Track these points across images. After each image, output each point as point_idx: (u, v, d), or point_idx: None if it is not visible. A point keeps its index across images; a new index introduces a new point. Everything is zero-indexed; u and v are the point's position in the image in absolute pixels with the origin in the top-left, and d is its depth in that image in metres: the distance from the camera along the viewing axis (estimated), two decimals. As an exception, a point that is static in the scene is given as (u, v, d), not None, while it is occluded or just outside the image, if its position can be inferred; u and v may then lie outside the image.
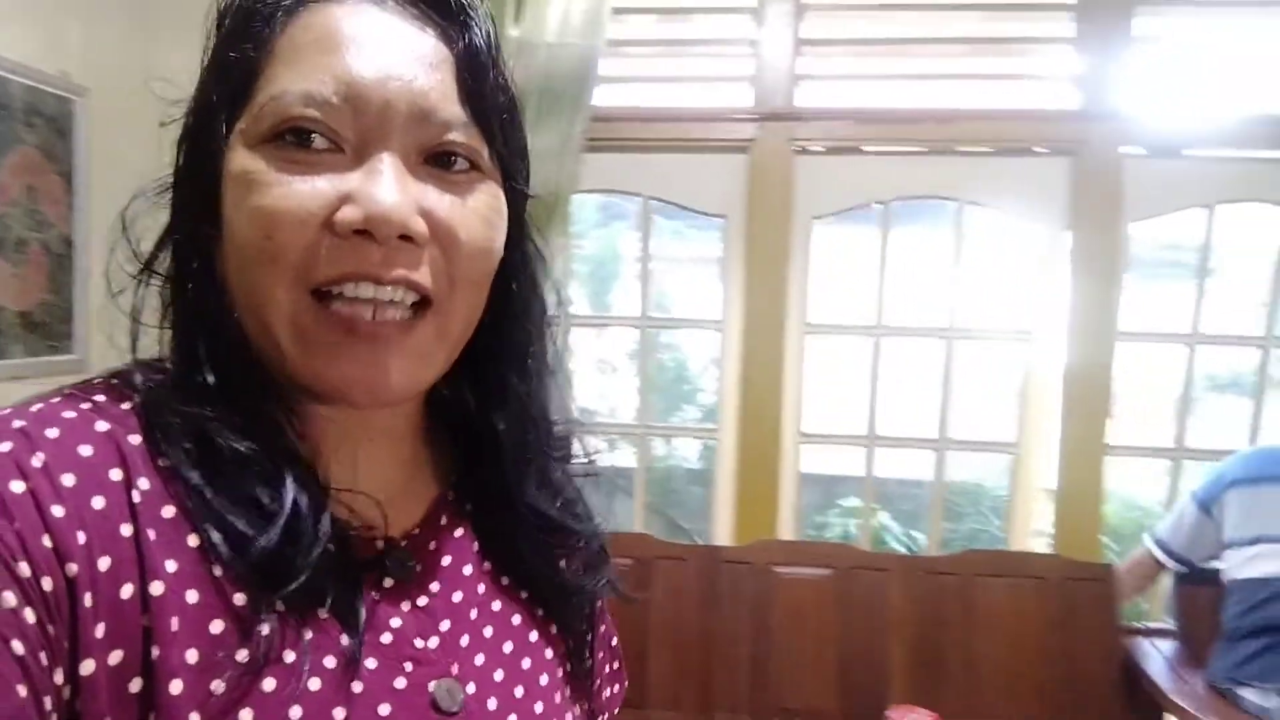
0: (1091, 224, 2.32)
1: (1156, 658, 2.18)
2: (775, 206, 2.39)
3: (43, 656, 0.40)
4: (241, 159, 0.48)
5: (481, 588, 0.57)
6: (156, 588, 0.43)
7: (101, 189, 2.17)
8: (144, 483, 0.45)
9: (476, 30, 0.51)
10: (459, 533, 0.58)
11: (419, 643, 0.52)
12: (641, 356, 2.66)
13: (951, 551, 2.39)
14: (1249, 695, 1.94)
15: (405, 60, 0.49)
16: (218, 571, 0.45)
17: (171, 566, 0.44)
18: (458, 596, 0.56)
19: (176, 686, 0.42)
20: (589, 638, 0.65)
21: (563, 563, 0.62)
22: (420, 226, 0.48)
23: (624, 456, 4.63)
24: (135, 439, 0.47)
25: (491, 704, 0.53)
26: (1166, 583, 2.35)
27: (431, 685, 0.51)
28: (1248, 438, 2.42)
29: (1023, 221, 2.44)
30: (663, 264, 5.06)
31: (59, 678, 0.41)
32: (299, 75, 0.47)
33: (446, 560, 0.56)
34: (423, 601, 0.54)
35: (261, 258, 0.47)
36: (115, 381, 0.50)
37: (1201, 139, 2.33)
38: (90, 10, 2.16)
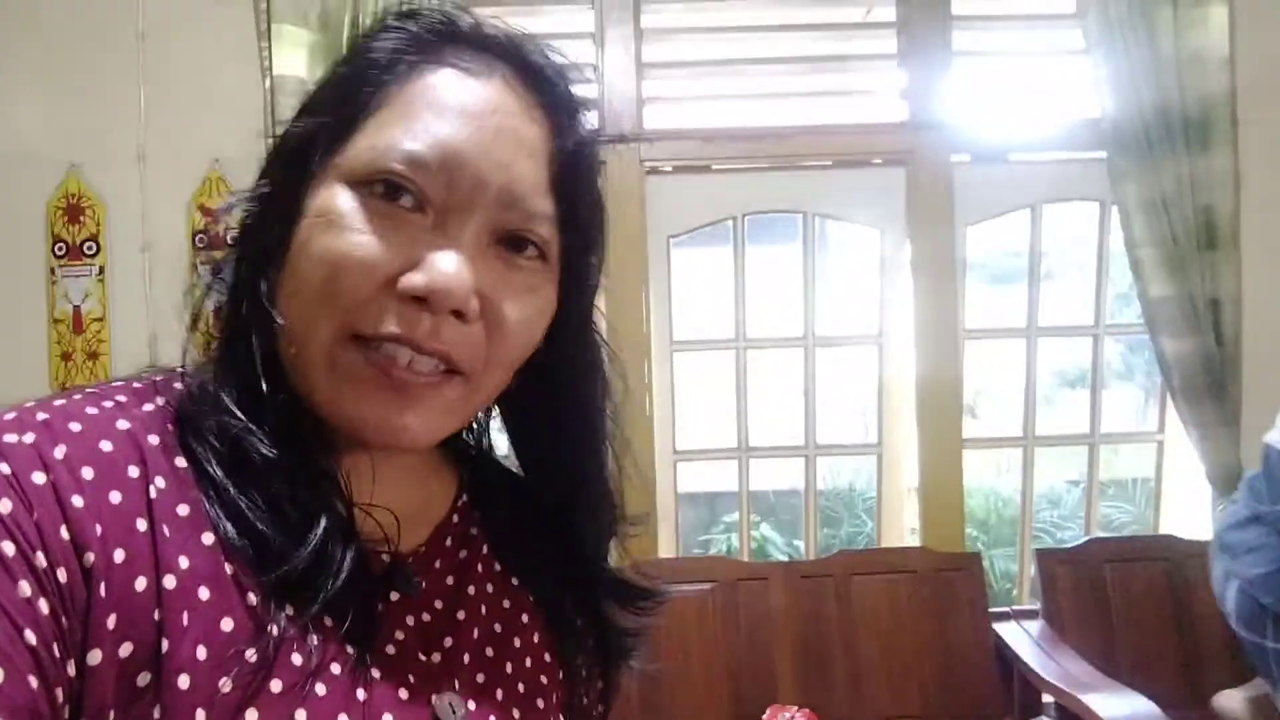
0: (927, 229, 2.44)
1: (1026, 639, 2.27)
2: (629, 227, 2.40)
3: (55, 647, 0.40)
4: (329, 195, 0.49)
5: (484, 609, 0.58)
6: (169, 581, 0.43)
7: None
8: (160, 481, 0.46)
9: (581, 130, 0.54)
10: (463, 555, 0.60)
11: (422, 656, 0.53)
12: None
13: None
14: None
15: (508, 144, 0.50)
16: (230, 570, 0.46)
17: (185, 563, 0.44)
18: (461, 615, 0.57)
19: (184, 681, 0.42)
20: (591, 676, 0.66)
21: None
22: (474, 306, 0.49)
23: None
24: (154, 439, 0.47)
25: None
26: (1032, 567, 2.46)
27: (434, 698, 0.52)
28: (1089, 423, 2.59)
29: (866, 230, 2.54)
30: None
31: (71, 669, 0.41)
32: (405, 132, 0.48)
33: (450, 580, 0.58)
34: (426, 617, 0.55)
35: (318, 296, 0.48)
36: (139, 385, 0.51)
37: (1023, 144, 2.49)
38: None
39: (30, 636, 0.39)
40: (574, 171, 0.53)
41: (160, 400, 0.50)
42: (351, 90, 0.50)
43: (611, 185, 2.23)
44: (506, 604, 0.60)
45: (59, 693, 0.40)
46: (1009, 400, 2.91)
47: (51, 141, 2.26)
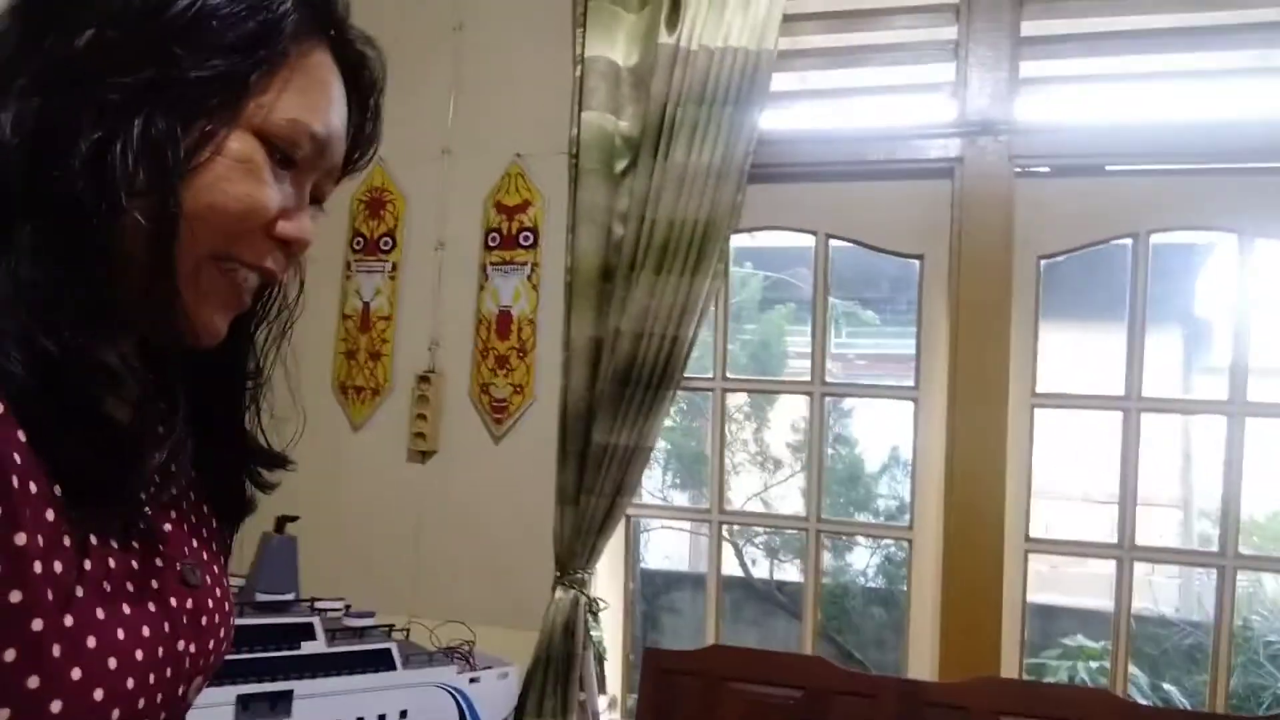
0: None
1: None
2: (991, 242, 1.90)
3: None
4: (247, 146, 0.57)
5: (185, 484, 0.67)
6: (20, 539, 0.47)
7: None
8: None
9: (368, 116, 0.69)
10: (165, 430, 0.63)
11: (166, 527, 0.63)
12: (813, 436, 2.16)
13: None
14: None
15: (344, 128, 0.65)
16: (50, 515, 0.49)
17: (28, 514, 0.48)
18: (174, 490, 0.65)
19: (38, 624, 0.48)
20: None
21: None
22: None
23: (787, 570, 4.01)
24: None
25: (208, 580, 0.66)
26: None
27: (181, 565, 0.63)
28: None
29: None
30: (833, 363, 4.60)
31: None
32: (310, 112, 0.60)
33: (163, 456, 0.61)
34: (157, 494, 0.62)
35: (220, 225, 0.57)
36: None
37: None
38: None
39: None
40: (362, 146, 0.69)
41: None
42: (260, 49, 0.57)
43: (968, 188, 1.70)
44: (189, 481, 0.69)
45: None
46: None
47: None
